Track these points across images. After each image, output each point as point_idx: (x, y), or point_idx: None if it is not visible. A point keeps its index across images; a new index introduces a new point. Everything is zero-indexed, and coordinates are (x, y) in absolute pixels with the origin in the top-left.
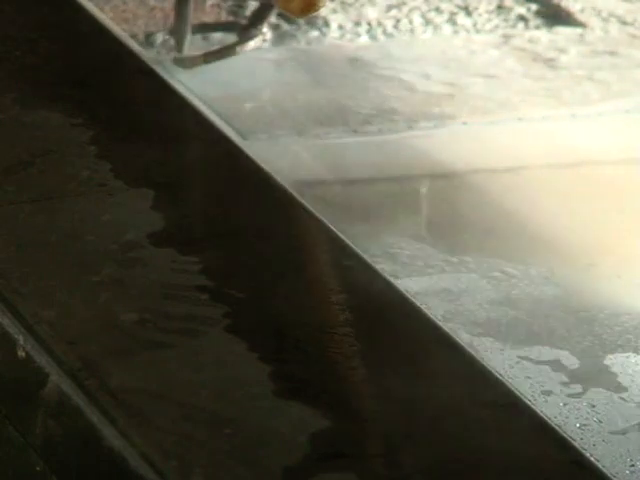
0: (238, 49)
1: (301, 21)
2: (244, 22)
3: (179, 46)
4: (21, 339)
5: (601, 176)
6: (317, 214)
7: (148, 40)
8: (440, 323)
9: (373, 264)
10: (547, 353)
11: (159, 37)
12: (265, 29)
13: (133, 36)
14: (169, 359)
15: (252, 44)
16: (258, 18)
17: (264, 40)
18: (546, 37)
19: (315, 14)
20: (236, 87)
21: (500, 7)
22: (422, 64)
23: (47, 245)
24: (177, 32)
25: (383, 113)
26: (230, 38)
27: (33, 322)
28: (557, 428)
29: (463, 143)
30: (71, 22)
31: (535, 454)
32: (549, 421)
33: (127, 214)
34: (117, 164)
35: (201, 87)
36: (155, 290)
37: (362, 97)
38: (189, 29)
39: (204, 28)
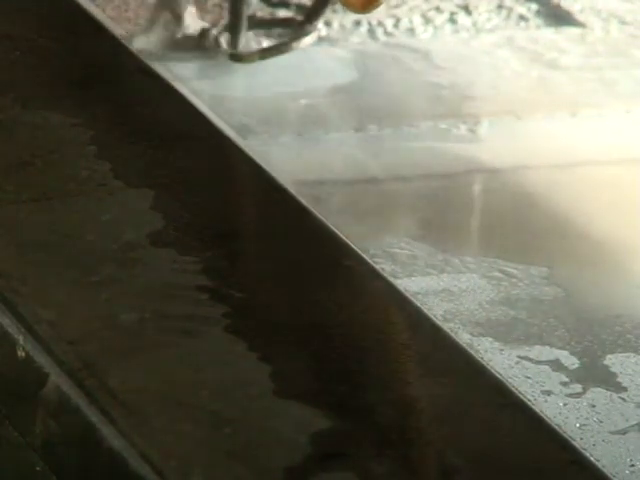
0: (294, 45)
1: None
2: (300, 18)
3: (234, 42)
4: (21, 339)
5: (601, 176)
6: (317, 213)
7: (203, 35)
8: (440, 323)
9: (373, 264)
10: (547, 353)
11: (213, 33)
12: (321, 25)
13: (137, 37)
14: (169, 359)
15: (308, 40)
16: (314, 14)
17: (319, 36)
18: (546, 37)
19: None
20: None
21: (500, 7)
22: (422, 64)
23: (47, 245)
24: (232, 28)
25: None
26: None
27: (33, 322)
28: (557, 428)
29: (464, 144)
30: (71, 22)
31: (535, 454)
32: (549, 421)
33: (127, 214)
34: (117, 164)
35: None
36: (155, 290)
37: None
38: (244, 25)
39: (259, 24)
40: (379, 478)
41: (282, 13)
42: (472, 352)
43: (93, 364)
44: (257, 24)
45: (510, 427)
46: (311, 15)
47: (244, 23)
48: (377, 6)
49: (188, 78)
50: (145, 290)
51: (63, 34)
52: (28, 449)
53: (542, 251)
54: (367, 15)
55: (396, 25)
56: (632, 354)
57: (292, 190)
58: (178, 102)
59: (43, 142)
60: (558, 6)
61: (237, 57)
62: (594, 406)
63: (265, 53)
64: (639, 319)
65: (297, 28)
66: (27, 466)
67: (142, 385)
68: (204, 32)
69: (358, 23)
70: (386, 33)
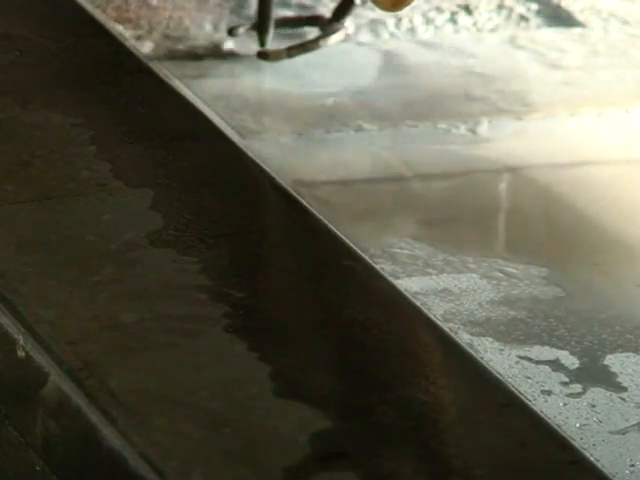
0: (322, 43)
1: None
2: (327, 16)
3: (261, 40)
4: (21, 339)
5: (601, 176)
6: (317, 213)
7: (232, 33)
8: (440, 323)
9: (373, 264)
10: (547, 353)
11: (241, 30)
12: (348, 23)
13: (137, 37)
14: (169, 359)
15: (335, 38)
16: (342, 12)
17: (347, 34)
18: (546, 37)
19: None
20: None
21: (500, 7)
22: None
23: (47, 245)
24: (260, 26)
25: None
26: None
27: (33, 322)
28: (557, 428)
29: (464, 144)
30: (71, 22)
31: (535, 454)
32: (549, 421)
33: (127, 214)
34: (117, 164)
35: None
36: (155, 290)
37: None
38: (272, 23)
39: (286, 22)
40: (379, 478)
41: (281, 13)
42: (472, 352)
43: (93, 364)
44: (283, 23)
45: (510, 427)
46: (339, 13)
47: (272, 21)
48: (408, 4)
49: (214, 76)
50: (145, 290)
51: (63, 34)
52: (28, 449)
53: (542, 251)
54: (368, 15)
55: (397, 25)
56: (632, 354)
57: (292, 190)
58: (178, 102)
59: (43, 142)
60: (558, 6)
61: (265, 55)
62: (594, 406)
63: (293, 51)
64: (639, 319)
65: (324, 26)
66: (27, 466)
67: (142, 385)
68: (232, 30)
69: (359, 23)
70: (387, 33)
